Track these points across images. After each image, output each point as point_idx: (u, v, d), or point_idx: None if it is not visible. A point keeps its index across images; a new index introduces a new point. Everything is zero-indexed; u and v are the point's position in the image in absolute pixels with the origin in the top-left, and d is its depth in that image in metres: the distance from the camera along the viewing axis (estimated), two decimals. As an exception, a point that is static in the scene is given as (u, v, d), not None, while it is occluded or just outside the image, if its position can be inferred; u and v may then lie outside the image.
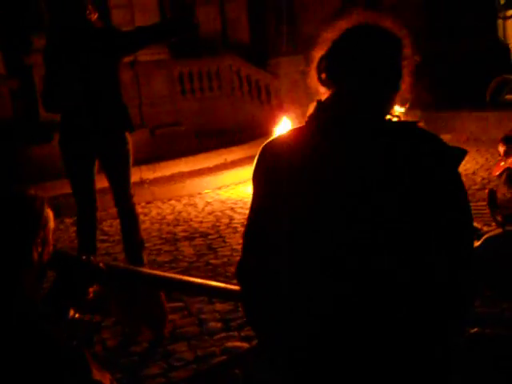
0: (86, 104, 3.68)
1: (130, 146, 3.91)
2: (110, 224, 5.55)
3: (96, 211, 3.98)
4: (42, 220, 1.75)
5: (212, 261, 4.45)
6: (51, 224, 1.82)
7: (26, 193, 1.80)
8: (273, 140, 1.58)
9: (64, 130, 3.86)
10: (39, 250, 1.74)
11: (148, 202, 6.33)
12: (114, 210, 5.32)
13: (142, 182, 6.75)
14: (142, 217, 4.92)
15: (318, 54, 1.55)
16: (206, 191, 6.80)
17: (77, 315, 2.01)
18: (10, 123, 8.64)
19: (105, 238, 5.16)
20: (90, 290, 2.27)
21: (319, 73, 1.56)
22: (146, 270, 2.93)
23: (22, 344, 1.57)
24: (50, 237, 1.83)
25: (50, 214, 1.81)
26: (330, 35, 1.52)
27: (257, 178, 1.53)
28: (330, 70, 1.53)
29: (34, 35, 8.38)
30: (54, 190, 6.22)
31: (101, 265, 2.22)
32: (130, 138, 3.92)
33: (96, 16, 3.89)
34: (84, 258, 2.19)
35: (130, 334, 3.23)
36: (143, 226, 4.32)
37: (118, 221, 5.19)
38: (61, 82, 3.73)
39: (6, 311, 1.62)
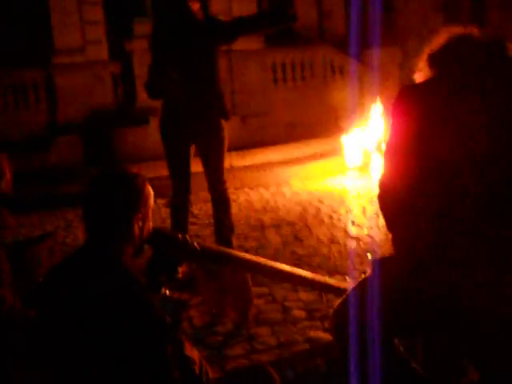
0: (186, 91, 3.80)
1: (226, 133, 4.01)
2: (199, 208, 5.70)
3: (190, 194, 4.12)
4: (143, 197, 1.84)
5: (298, 250, 4.47)
6: (151, 201, 1.90)
7: (128, 171, 1.89)
8: (411, 87, 1.95)
9: (164, 116, 4.03)
10: (140, 224, 1.83)
11: (237, 188, 6.43)
12: (203, 194, 5.47)
13: (231, 169, 6.87)
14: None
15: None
16: (294, 181, 6.82)
17: (167, 292, 2.09)
18: (111, 106, 9.06)
19: (194, 220, 5.31)
20: (180, 268, 2.36)
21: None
22: (237, 252, 2.99)
23: (123, 312, 1.65)
24: (150, 214, 1.91)
25: (150, 191, 1.89)
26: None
27: (399, 114, 1.89)
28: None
29: (135, 21, 8.71)
30: (148, 172, 6.42)
31: (196, 244, 2.30)
32: (225, 124, 4.01)
33: (198, 5, 4.00)
34: (181, 236, 2.28)
35: (216, 314, 3.32)
36: (232, 211, 4.41)
37: (207, 205, 5.35)
38: (163, 69, 3.88)
39: (108, 280, 1.71)
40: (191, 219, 5.11)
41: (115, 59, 9.33)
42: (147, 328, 1.65)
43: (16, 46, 9.80)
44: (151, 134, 7.81)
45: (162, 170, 4.47)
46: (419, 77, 1.99)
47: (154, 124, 7.89)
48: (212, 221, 4.35)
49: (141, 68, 8.42)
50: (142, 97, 8.01)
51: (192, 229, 4.93)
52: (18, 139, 8.64)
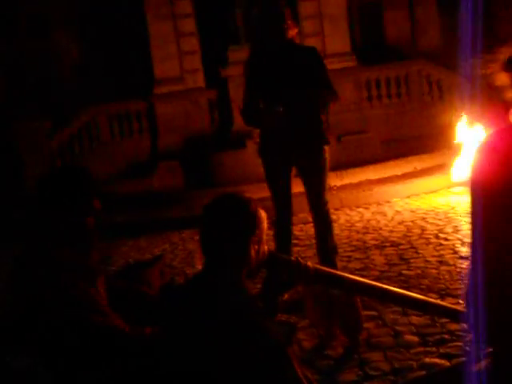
0: (287, 120, 3.80)
1: (327, 156, 3.99)
2: (300, 228, 5.68)
3: (291, 215, 4.12)
4: (257, 220, 1.85)
5: (404, 271, 4.31)
6: (264, 225, 1.91)
7: (242, 196, 1.92)
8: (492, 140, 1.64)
9: (264, 142, 4.07)
10: (255, 248, 1.84)
11: (336, 209, 6.35)
12: (304, 215, 5.46)
13: (330, 189, 6.81)
14: (331, 223, 4.96)
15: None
16: (395, 200, 6.63)
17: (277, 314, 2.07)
18: (209, 131, 9.34)
19: (296, 241, 5.29)
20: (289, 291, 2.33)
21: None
22: (347, 274, 2.93)
23: (243, 335, 1.66)
24: (264, 237, 1.91)
25: (263, 215, 1.90)
26: None
27: (484, 175, 1.57)
28: None
29: (229, 49, 8.96)
30: (248, 195, 6.56)
31: (309, 266, 2.27)
32: (326, 147, 3.99)
33: (296, 31, 4.03)
34: (294, 259, 2.27)
35: (325, 338, 3.26)
36: (334, 233, 4.35)
37: (308, 225, 5.31)
38: (259, 97, 3.93)
39: (227, 303, 1.72)
40: (293, 240, 5.11)
41: (211, 86, 9.64)
42: (268, 353, 1.65)
43: (119, 79, 10.40)
44: (249, 157, 7.94)
45: (262, 192, 4.50)
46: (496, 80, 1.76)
47: (250, 147, 8.03)
48: (314, 242, 4.31)
49: (236, 93, 8.63)
50: (238, 121, 8.19)
51: (294, 250, 4.90)
52: (123, 166, 9.12)
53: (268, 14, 4.07)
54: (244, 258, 1.82)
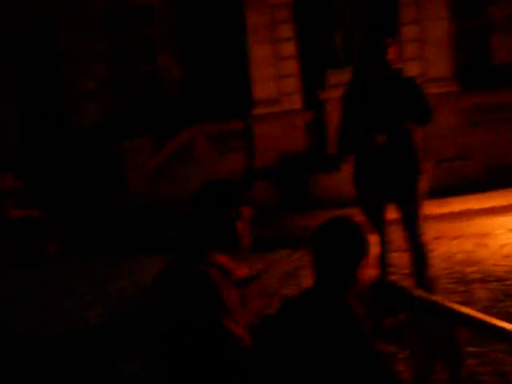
0: (385, 149, 3.73)
1: (423, 185, 3.88)
2: (398, 256, 5.52)
3: (386, 243, 4.02)
4: (366, 244, 1.83)
5: (510, 309, 4.05)
6: (375, 249, 1.88)
7: (354, 219, 1.91)
8: None
9: (358, 169, 4.01)
10: (363, 271, 1.82)
11: (435, 238, 6.11)
12: (401, 242, 5.30)
13: (427, 217, 6.59)
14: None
15: None
16: (499, 231, 6.28)
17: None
18: (304, 153, 9.38)
19: (393, 270, 5.15)
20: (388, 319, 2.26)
21: None
22: (454, 304, 2.80)
23: (352, 357, 1.64)
24: (374, 261, 1.88)
25: (373, 239, 1.87)
26: None
27: None
28: None
29: (328, 72, 8.99)
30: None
31: (416, 294, 2.20)
32: (422, 177, 3.88)
33: (397, 51, 3.97)
34: (401, 286, 2.20)
35: (425, 372, 3.12)
36: (431, 263, 4.19)
37: (404, 254, 5.16)
38: (356, 126, 3.88)
39: (337, 324, 1.70)
40: (389, 268, 4.97)
41: (308, 108, 9.69)
42: (381, 380, 1.61)
43: (218, 99, 10.71)
44: (343, 181, 7.87)
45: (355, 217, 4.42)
46: None
47: (345, 171, 7.96)
48: (409, 271, 4.18)
49: (332, 116, 8.63)
50: (333, 144, 8.17)
51: (391, 278, 4.77)
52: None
53: (371, 42, 4.04)
54: (354, 280, 1.81)
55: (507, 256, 5.38)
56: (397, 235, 4.59)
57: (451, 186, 7.41)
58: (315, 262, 1.84)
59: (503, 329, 2.75)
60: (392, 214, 4.05)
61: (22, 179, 8.37)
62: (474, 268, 5.13)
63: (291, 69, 9.81)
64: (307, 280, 5.02)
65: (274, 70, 9.67)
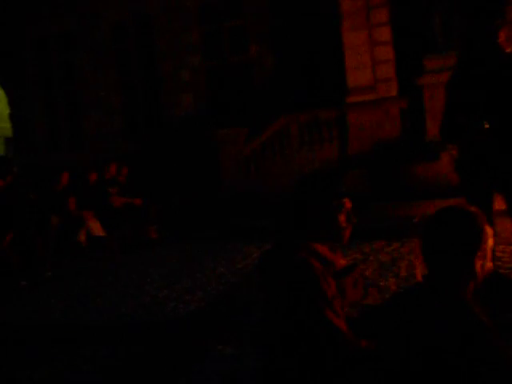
0: (491, 137, 3.54)
1: None
2: (502, 249, 5.25)
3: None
4: (484, 235, 1.75)
5: None
6: (490, 241, 1.79)
7: (469, 209, 1.83)
8: None
9: (463, 157, 3.83)
10: (481, 263, 1.74)
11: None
12: (507, 235, 5.04)
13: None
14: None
15: None
16: None
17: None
18: (399, 141, 9.12)
19: (498, 263, 4.91)
20: None
21: None
22: None
23: (475, 353, 1.58)
24: (490, 253, 1.80)
25: (489, 230, 1.79)
26: None
27: None
28: None
29: (426, 57, 8.66)
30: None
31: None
32: None
33: (508, 41, 3.73)
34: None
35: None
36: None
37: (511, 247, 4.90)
38: (463, 112, 3.70)
39: (454, 318, 1.64)
40: (495, 262, 4.74)
41: (403, 95, 9.41)
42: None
43: (310, 88, 10.65)
44: (442, 170, 7.59)
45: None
46: None
47: (445, 159, 7.67)
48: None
49: (431, 103, 8.32)
50: (432, 132, 7.87)
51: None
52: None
53: (479, 25, 3.84)
54: (470, 273, 1.74)
55: None
56: (502, 227, 4.38)
57: None
58: (428, 254, 1.78)
59: None
60: (499, 204, 3.85)
61: (124, 169, 8.78)
62: None
63: (386, 55, 9.55)
64: (404, 271, 4.92)
65: (368, 57, 9.46)
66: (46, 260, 6.74)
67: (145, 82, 12.27)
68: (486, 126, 3.53)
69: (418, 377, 1.64)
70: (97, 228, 7.58)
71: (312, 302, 1.87)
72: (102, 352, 3.71)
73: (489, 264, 1.81)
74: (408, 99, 9.25)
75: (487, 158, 3.66)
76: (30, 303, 5.39)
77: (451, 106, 3.81)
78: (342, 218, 2.06)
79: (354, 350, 1.86)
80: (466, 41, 4.12)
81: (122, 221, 7.96)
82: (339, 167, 8.95)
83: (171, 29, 11.77)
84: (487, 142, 3.59)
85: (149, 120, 12.20)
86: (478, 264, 1.75)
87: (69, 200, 7.51)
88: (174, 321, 4.31)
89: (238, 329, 3.86)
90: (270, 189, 9.13)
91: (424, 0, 9.29)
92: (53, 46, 12.73)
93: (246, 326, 3.87)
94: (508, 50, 3.69)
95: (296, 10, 10.80)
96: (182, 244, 7.80)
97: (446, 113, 3.84)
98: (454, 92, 3.83)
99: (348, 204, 2.08)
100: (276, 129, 9.87)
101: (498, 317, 3.34)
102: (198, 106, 11.71)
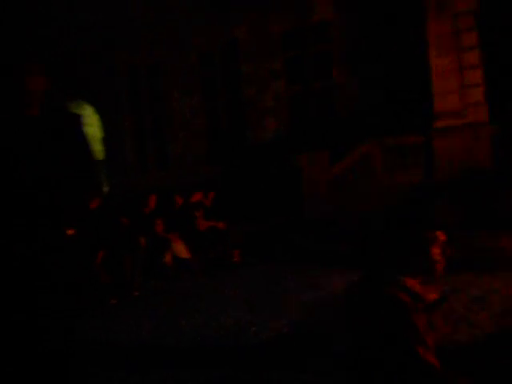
0: None
1: None
2: None
3: None
4: None
5: None
6: None
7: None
8: None
9: None
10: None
11: None
12: None
13: None
14: None
15: None
16: None
17: None
18: (488, 168, 8.77)
19: None
20: None
21: None
22: None
23: None
24: None
25: None
26: None
27: None
28: None
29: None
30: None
31: None
32: None
33: None
34: None
35: None
36: None
37: None
38: None
39: None
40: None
41: (494, 120, 9.06)
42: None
43: (394, 113, 10.48)
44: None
45: None
46: None
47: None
48: None
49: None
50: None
51: None
52: (395, 200, 9.11)
53: None
54: None
55: None
56: None
57: None
58: None
59: None
60: None
61: (210, 193, 8.99)
62: None
63: (475, 79, 9.25)
64: (497, 306, 4.68)
65: (456, 81, 9.21)
66: (134, 279, 6.99)
67: (229, 107, 12.56)
68: None
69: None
70: (182, 250, 7.78)
71: (402, 338, 1.84)
72: (184, 375, 3.78)
73: None
74: (500, 124, 8.90)
75: None
76: (118, 321, 5.60)
77: None
78: (435, 250, 2.01)
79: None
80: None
81: (206, 243, 8.13)
82: (426, 194, 8.70)
83: (256, 54, 12.02)
84: None
85: (232, 143, 12.46)
86: None
87: (156, 222, 7.77)
88: (256, 346, 4.32)
89: (320, 357, 3.81)
90: (352, 214, 9.02)
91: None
92: (141, 73, 13.34)
93: (327, 355, 3.82)
94: None
95: (381, 35, 10.73)
96: (264, 268, 7.83)
97: None
98: None
99: (442, 237, 2.03)
100: (359, 153, 9.77)
101: None
102: (281, 129, 11.83)
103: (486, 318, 4.39)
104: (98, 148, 2.75)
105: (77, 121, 2.55)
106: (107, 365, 4.16)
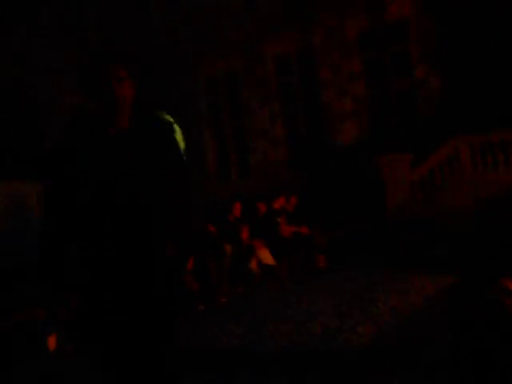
0: None
1: None
2: None
3: None
4: None
5: None
6: None
7: None
8: None
9: None
10: None
11: None
12: None
13: None
14: None
15: None
16: None
17: None
18: None
19: None
20: None
21: None
22: None
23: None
24: None
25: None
26: None
27: None
28: None
29: None
30: None
31: None
32: None
33: None
34: None
35: None
36: None
37: None
38: None
39: None
40: None
41: None
42: None
43: (480, 109, 10.04)
44: None
45: None
46: None
47: None
48: None
49: None
50: None
51: None
52: (484, 199, 8.74)
53: None
54: None
55: None
56: None
57: None
58: None
59: None
60: None
61: (292, 198, 9.01)
62: None
63: None
64: None
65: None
66: (220, 286, 7.11)
67: (307, 112, 12.54)
68: None
69: None
70: (267, 256, 7.83)
71: (507, 344, 1.76)
72: (283, 381, 3.80)
73: None
74: None
75: None
76: (206, 327, 5.70)
77: None
78: None
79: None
80: None
81: (290, 249, 8.14)
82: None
83: (333, 57, 11.93)
84: None
85: (312, 149, 12.42)
86: None
87: (241, 229, 7.87)
88: (347, 352, 4.27)
89: (412, 364, 3.70)
90: (439, 215, 8.72)
91: None
92: (221, 83, 13.60)
93: (419, 362, 3.70)
94: None
95: (463, 27, 10.33)
96: (350, 273, 7.73)
97: None
98: None
99: None
100: (445, 152, 9.45)
101: None
102: (361, 132, 11.66)
103: None
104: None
105: (172, 129, 2.33)
106: (195, 369, 4.24)
